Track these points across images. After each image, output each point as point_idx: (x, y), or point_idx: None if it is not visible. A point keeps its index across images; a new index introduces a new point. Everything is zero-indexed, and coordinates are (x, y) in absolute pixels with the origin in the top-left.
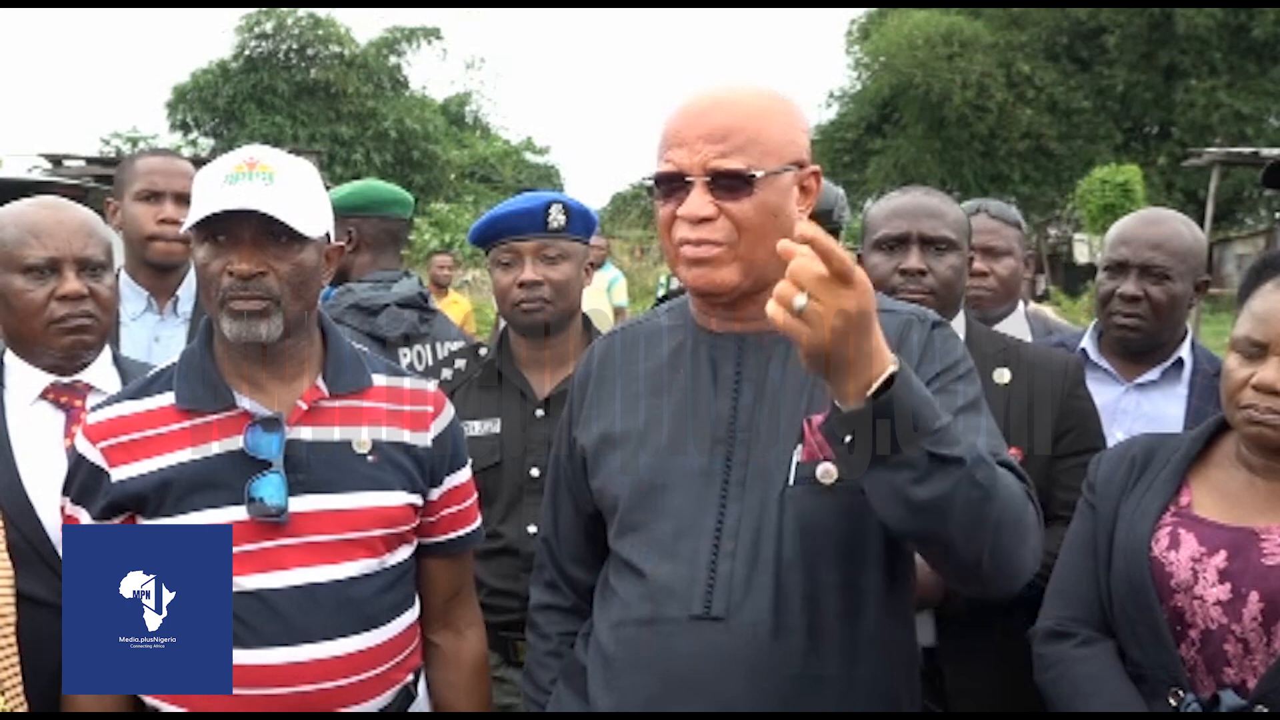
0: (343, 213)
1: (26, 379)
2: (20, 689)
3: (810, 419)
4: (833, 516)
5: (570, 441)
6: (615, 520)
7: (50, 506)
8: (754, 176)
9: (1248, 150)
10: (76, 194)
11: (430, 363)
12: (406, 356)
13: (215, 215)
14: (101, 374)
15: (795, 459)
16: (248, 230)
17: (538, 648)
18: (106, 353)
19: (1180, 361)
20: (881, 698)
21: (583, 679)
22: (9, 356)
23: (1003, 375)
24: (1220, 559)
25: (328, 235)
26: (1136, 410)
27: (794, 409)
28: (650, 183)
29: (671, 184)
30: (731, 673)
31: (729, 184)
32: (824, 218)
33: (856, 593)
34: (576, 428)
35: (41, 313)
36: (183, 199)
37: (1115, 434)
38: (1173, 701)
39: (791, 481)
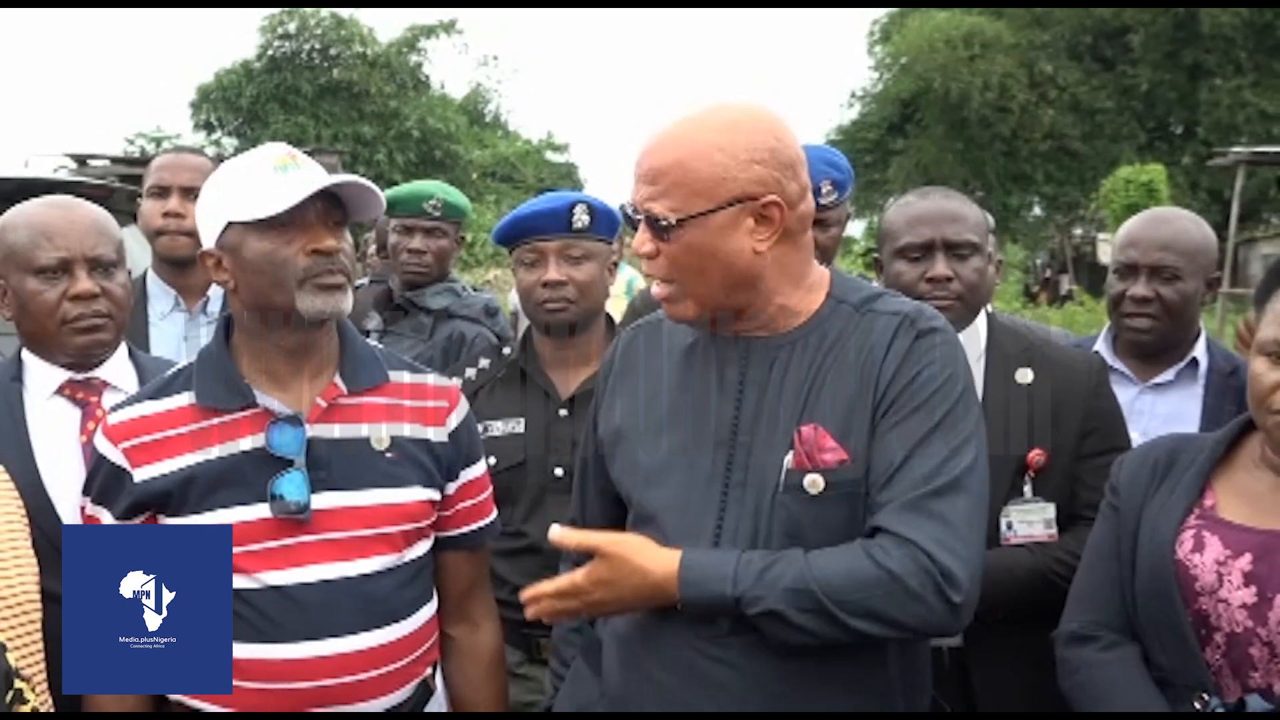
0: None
1: (43, 376)
2: (46, 686)
3: (800, 428)
4: (817, 526)
5: (595, 427)
6: (631, 509)
7: (68, 503)
8: (670, 224)
9: (1273, 149)
10: (102, 193)
11: None
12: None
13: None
14: (118, 370)
15: (786, 465)
16: (313, 213)
17: (562, 625)
18: (123, 349)
19: (1195, 361)
20: (877, 697)
21: (599, 655)
22: (26, 354)
23: (1025, 375)
24: (1245, 562)
25: None
26: (1152, 411)
27: (790, 414)
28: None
29: (633, 216)
30: (725, 671)
31: (656, 226)
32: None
33: None
34: (599, 415)
35: (55, 313)
36: (189, 192)
37: (1132, 435)
38: (1198, 705)
39: (780, 488)
